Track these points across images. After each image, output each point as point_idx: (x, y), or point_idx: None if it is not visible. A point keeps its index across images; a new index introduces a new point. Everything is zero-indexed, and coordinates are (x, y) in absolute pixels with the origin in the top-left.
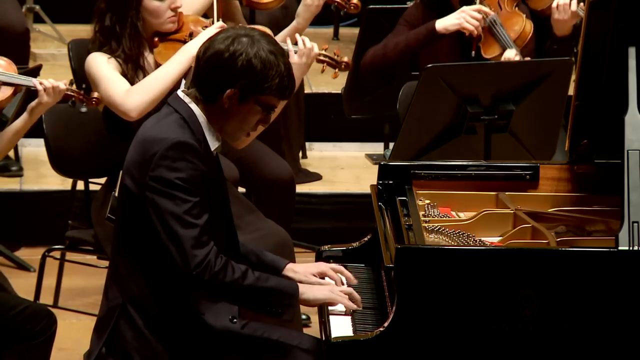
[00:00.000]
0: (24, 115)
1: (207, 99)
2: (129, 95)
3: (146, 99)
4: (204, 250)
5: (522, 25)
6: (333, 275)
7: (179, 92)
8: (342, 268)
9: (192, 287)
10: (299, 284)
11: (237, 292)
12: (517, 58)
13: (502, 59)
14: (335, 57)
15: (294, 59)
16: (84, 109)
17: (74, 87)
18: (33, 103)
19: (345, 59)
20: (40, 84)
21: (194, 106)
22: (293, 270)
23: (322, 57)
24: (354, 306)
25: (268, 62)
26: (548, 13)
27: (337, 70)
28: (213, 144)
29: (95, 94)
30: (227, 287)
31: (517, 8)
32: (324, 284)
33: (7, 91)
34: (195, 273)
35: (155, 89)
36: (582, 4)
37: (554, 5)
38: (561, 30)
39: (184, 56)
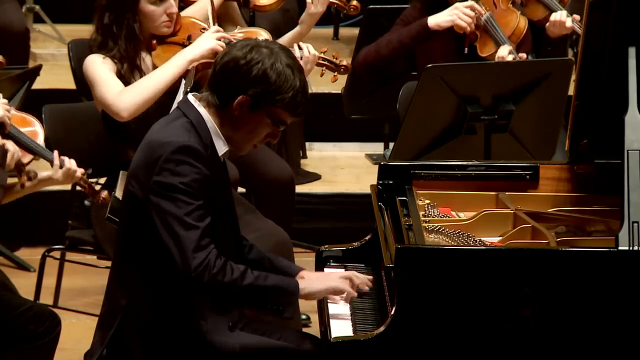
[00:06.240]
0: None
1: (220, 104)
2: (121, 96)
3: (138, 100)
4: (204, 252)
5: (516, 21)
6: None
7: (190, 96)
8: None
9: (192, 290)
10: (298, 280)
11: (237, 292)
12: (511, 55)
13: (496, 57)
14: (335, 60)
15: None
16: (87, 203)
17: (86, 177)
18: (44, 174)
19: (345, 62)
20: (61, 160)
21: (203, 110)
22: (304, 277)
23: (321, 61)
24: (355, 293)
25: (284, 74)
26: (544, 23)
27: (336, 73)
28: (221, 149)
29: (104, 194)
30: (226, 288)
31: (511, 5)
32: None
33: (26, 158)
34: (195, 275)
35: (148, 91)
36: (574, 16)
37: (552, 18)
38: (555, 35)
39: (180, 60)
